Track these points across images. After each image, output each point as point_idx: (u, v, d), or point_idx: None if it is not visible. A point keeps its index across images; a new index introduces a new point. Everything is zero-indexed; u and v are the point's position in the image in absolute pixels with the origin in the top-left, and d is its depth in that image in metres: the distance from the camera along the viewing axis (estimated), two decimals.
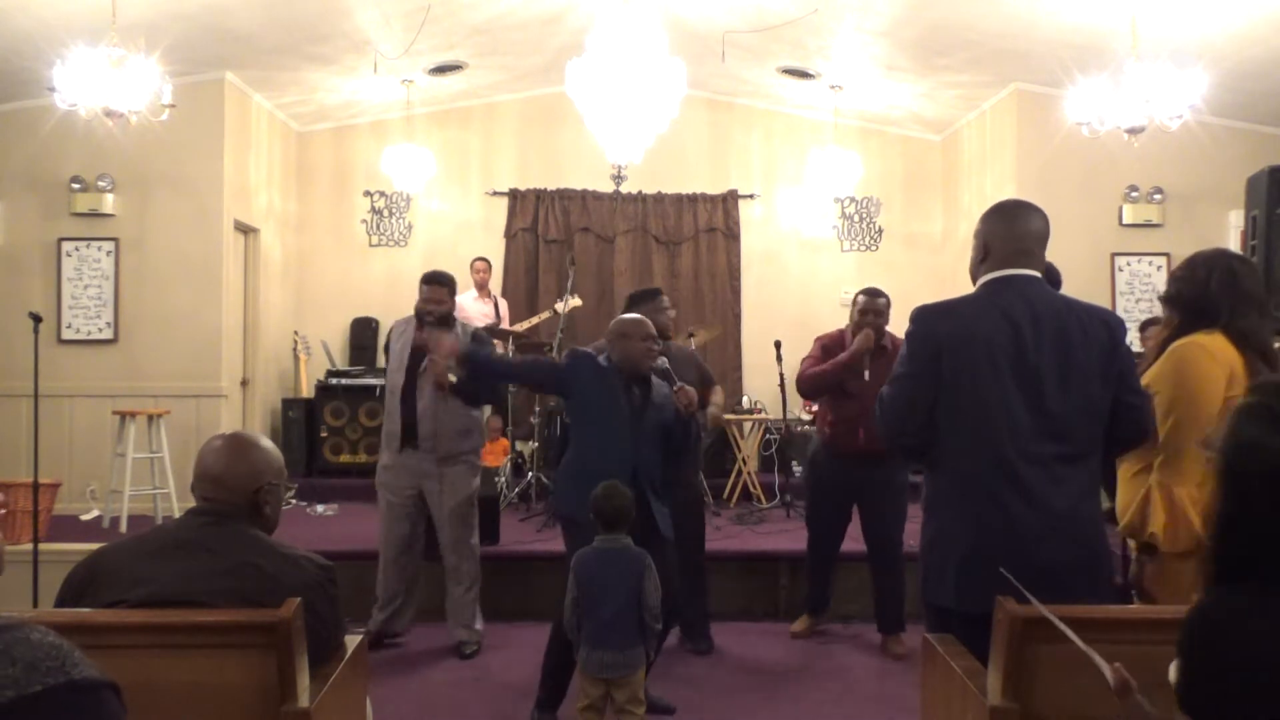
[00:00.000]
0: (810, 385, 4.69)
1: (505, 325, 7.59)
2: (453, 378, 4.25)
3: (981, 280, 2.47)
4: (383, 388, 5.05)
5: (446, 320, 4.56)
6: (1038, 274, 2.44)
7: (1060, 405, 2.32)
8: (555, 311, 7.56)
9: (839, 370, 4.54)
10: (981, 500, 2.33)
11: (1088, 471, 2.38)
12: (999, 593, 1.97)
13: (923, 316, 2.44)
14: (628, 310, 4.53)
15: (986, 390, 2.32)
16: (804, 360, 4.76)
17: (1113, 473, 5.40)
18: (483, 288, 7.76)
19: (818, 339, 4.80)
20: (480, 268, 7.76)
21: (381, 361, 7.58)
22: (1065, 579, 2.23)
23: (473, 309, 7.67)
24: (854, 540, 4.89)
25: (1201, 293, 2.54)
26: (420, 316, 4.56)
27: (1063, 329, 2.35)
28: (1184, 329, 2.57)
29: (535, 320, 7.71)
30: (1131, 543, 2.67)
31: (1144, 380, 2.52)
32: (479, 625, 4.65)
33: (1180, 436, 2.45)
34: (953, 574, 2.35)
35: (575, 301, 7.28)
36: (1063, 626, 1.70)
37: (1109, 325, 2.41)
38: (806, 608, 4.94)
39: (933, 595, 2.43)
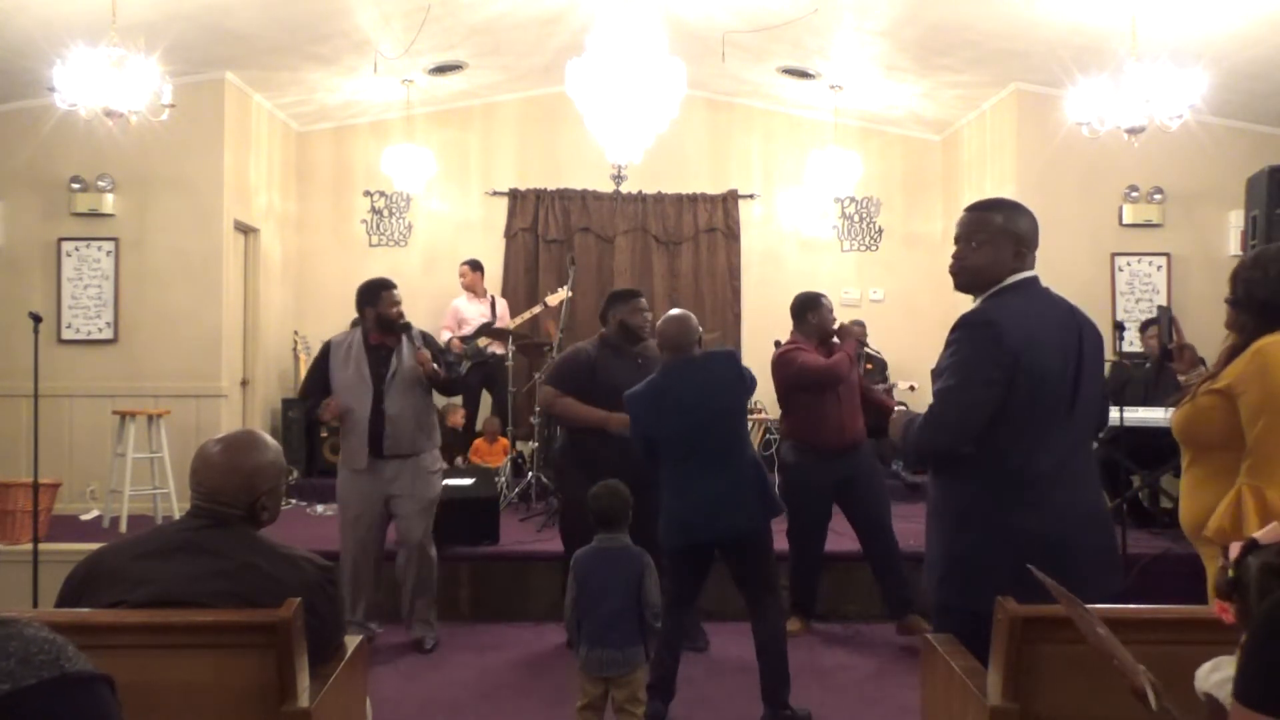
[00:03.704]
0: (830, 375, 4.66)
1: (503, 324, 7.58)
2: (438, 368, 4.56)
3: (1012, 280, 2.41)
4: None
5: (407, 323, 4.66)
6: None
7: (1080, 404, 2.38)
8: (545, 304, 7.57)
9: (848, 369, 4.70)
10: (1027, 499, 2.33)
11: (1095, 466, 2.50)
12: (1052, 588, 1.96)
13: (997, 323, 2.33)
14: (609, 306, 4.69)
15: (1049, 394, 2.33)
16: (801, 358, 4.71)
17: (1112, 472, 5.38)
18: (470, 290, 7.73)
19: (796, 350, 4.75)
20: (463, 271, 7.74)
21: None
22: (1101, 571, 2.33)
23: (469, 310, 7.67)
24: (853, 540, 4.90)
25: (1276, 290, 2.39)
26: (393, 323, 4.59)
27: (1079, 330, 2.41)
28: (1258, 331, 2.42)
29: (527, 315, 7.69)
30: (1206, 550, 2.50)
31: (1226, 381, 2.42)
32: (434, 621, 4.72)
33: (1271, 438, 2.33)
34: (1005, 575, 2.21)
35: (562, 294, 7.12)
36: (1099, 627, 1.66)
37: (1095, 328, 2.50)
38: (795, 611, 4.94)
39: (974, 599, 2.27)
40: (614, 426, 4.33)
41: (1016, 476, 2.32)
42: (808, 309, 4.84)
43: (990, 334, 2.32)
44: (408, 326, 4.64)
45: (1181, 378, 2.81)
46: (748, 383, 3.77)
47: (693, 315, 3.86)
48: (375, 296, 4.61)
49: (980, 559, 2.38)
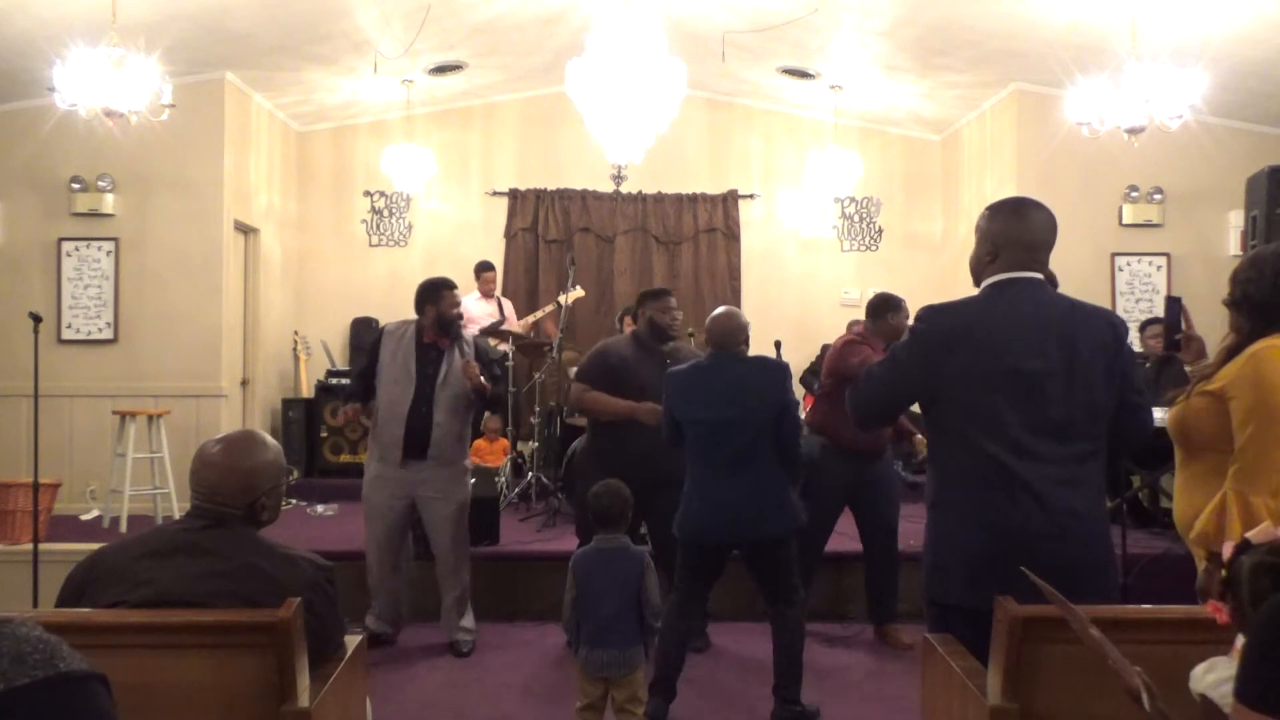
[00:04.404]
0: None
1: (510, 325, 7.60)
2: (486, 382, 4.48)
3: (988, 281, 2.43)
4: None
5: (460, 329, 4.65)
6: (1042, 276, 2.42)
7: (1066, 407, 2.31)
8: (559, 304, 7.58)
9: None
10: (990, 499, 2.32)
11: (1094, 471, 2.38)
12: (1011, 589, 1.96)
13: (929, 315, 2.43)
14: (640, 303, 4.61)
15: (991, 391, 2.31)
16: (866, 351, 4.57)
17: (1116, 473, 5.39)
18: (489, 294, 7.77)
19: (863, 344, 4.65)
20: (490, 278, 7.76)
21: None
22: (1076, 579, 2.20)
23: (477, 309, 7.68)
24: (853, 540, 4.90)
25: (1271, 292, 2.39)
26: (451, 324, 4.56)
27: (1068, 331, 2.35)
28: (1254, 333, 2.41)
29: (539, 314, 7.71)
30: (1198, 550, 2.52)
31: (1219, 383, 2.43)
32: (472, 624, 4.68)
33: (1258, 444, 2.33)
34: (963, 571, 2.32)
35: (578, 292, 7.28)
36: (1091, 629, 1.67)
37: (1113, 326, 2.41)
38: None
39: (941, 593, 2.39)
40: (642, 415, 4.24)
41: (998, 477, 2.31)
42: (888, 309, 4.72)
43: (916, 330, 2.44)
44: (460, 332, 4.61)
45: (1188, 368, 2.80)
46: (788, 403, 3.69)
47: (740, 313, 3.86)
48: (437, 295, 4.56)
49: (938, 552, 2.41)
